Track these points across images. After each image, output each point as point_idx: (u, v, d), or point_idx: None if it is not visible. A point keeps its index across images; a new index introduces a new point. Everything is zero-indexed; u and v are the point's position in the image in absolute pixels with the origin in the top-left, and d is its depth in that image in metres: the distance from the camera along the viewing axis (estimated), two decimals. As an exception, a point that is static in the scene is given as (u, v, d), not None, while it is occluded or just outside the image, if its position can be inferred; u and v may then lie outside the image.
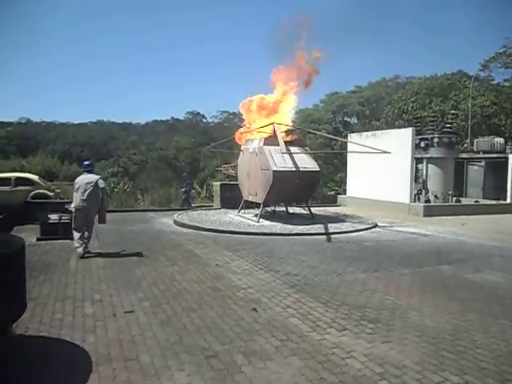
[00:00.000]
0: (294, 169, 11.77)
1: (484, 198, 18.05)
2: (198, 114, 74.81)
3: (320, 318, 4.62)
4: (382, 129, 24.28)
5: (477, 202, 17.53)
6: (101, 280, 6.09)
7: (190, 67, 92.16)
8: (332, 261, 7.41)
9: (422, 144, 16.72)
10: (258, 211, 13.08)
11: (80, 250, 7.52)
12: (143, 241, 9.35)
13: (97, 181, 7.67)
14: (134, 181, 33.59)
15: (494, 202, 17.11)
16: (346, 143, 18.69)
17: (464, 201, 17.68)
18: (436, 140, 16.53)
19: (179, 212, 14.09)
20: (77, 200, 7.59)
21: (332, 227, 11.09)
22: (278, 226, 11.13)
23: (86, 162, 8.11)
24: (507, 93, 27.64)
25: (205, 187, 24.99)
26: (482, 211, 15.41)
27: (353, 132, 24.10)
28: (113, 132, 71.76)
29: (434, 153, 16.60)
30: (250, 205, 13.39)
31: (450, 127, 17.64)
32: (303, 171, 11.84)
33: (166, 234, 10.33)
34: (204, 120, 75.54)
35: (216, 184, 16.76)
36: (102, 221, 7.96)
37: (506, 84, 29.64)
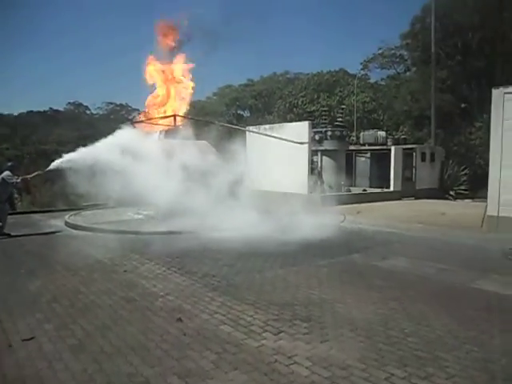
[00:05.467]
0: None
1: (371, 186, 19.53)
2: (81, 104, 69.38)
3: (251, 321, 4.35)
4: (274, 122, 24.94)
5: (364, 190, 18.90)
6: (-16, 301, 5.08)
7: (72, 53, 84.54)
8: (248, 257, 7.20)
9: (317, 137, 17.46)
10: (156, 209, 12.52)
11: None
12: (32, 249, 8.17)
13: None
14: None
15: (379, 190, 18.60)
16: (243, 136, 18.69)
17: (353, 190, 18.93)
18: (329, 133, 17.39)
19: (71, 213, 12.73)
20: None
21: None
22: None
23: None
24: (384, 90, 30.41)
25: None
26: (370, 199, 16.60)
27: (247, 125, 24.29)
28: (-23, 124, 62.97)
29: (327, 145, 17.45)
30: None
31: (340, 121, 18.71)
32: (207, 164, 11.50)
33: (60, 239, 9.19)
34: (88, 112, 70.39)
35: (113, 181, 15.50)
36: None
37: (383, 83, 32.62)
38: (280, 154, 16.14)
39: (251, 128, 17.96)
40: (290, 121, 26.53)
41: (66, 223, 11.02)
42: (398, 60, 30.67)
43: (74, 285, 5.71)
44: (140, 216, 12.06)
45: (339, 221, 11.59)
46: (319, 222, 11.49)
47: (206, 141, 13.38)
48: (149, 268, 6.56)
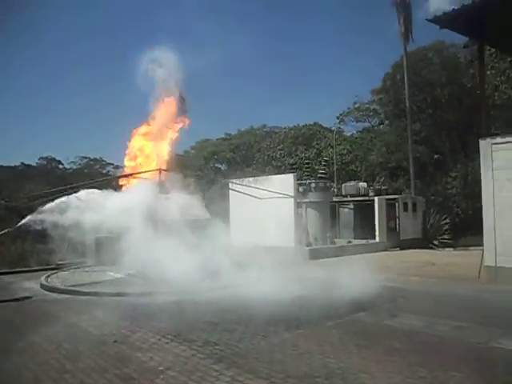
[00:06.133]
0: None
1: (355, 238, 19.35)
2: (54, 159, 68.40)
3: (272, 401, 3.82)
4: (253, 175, 24.95)
5: (349, 242, 18.70)
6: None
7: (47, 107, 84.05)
8: (247, 320, 6.67)
9: (301, 189, 17.37)
10: (139, 267, 11.88)
11: None
12: (4, 318, 7.36)
13: None
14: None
15: (364, 241, 18.43)
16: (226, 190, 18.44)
17: (338, 241, 18.69)
18: (313, 185, 17.35)
19: (46, 273, 11.87)
20: None
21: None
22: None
23: None
24: (359, 143, 31.25)
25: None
26: (357, 251, 16.34)
27: (226, 178, 24.18)
28: None
29: (312, 197, 17.35)
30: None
31: (323, 173, 18.80)
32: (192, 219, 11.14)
33: (37, 305, 8.38)
34: (61, 166, 69.34)
35: (90, 238, 14.77)
36: None
37: (358, 135, 33.61)
38: (265, 207, 15.94)
39: (235, 181, 17.78)
40: (269, 173, 26.64)
41: (42, 285, 10.19)
42: (371, 114, 31.82)
43: (58, 360, 5.02)
44: (122, 275, 11.33)
45: (335, 275, 11.18)
46: (313, 276, 11.08)
47: (190, 195, 13.05)
48: (141, 337, 5.91)
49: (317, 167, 22.21)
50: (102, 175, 58.86)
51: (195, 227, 11.26)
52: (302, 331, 6.04)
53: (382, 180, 30.10)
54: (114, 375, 4.53)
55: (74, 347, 5.53)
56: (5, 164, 62.43)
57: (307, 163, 22.11)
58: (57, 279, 10.91)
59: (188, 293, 8.69)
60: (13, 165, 63.79)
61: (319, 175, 18.56)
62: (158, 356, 5.09)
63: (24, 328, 6.55)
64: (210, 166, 37.93)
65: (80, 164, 67.31)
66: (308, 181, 17.65)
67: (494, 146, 9.44)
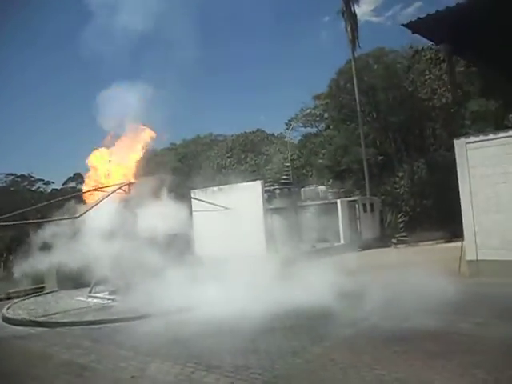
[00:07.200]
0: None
1: (319, 241, 19.47)
2: (-25, 177, 62.64)
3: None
4: (203, 185, 24.39)
5: (313, 246, 18.77)
6: None
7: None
8: (265, 337, 6.22)
9: (266, 196, 17.18)
10: (111, 289, 11.07)
11: None
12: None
13: None
14: None
15: (328, 244, 18.59)
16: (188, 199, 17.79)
17: (302, 246, 18.69)
18: (278, 191, 17.24)
19: (3, 303, 10.60)
20: None
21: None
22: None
23: None
24: (309, 147, 31.73)
25: (1, 264, 20.03)
26: (327, 254, 16.38)
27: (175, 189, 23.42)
28: None
29: (277, 204, 17.23)
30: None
31: (286, 179, 18.78)
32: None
33: (10, 342, 7.36)
34: (-18, 184, 63.66)
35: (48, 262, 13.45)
36: None
37: (306, 140, 34.07)
38: (232, 217, 15.51)
39: (197, 191, 17.17)
40: (220, 182, 26.15)
41: (6, 319, 9.03)
42: (318, 119, 32.50)
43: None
44: (95, 300, 10.39)
45: (316, 281, 11.02)
46: (299, 284, 10.81)
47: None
48: (159, 367, 5.32)
49: (267, 175, 22.15)
50: (31, 192, 54.89)
51: (161, 242, 10.65)
52: (328, 343, 5.77)
53: (329, 183, 30.84)
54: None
55: (88, 389, 4.84)
56: None
57: (269, 169, 21.96)
58: (20, 310, 9.73)
59: (172, 313, 8.02)
60: None
61: (282, 181, 18.51)
62: (191, 389, 4.58)
63: (18, 373, 5.67)
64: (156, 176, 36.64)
65: (6, 182, 62.16)
66: (272, 187, 17.51)
67: (468, 145, 9.84)
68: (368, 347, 5.45)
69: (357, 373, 4.65)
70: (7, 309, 9.76)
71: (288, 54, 61.83)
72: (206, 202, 15.23)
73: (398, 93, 27.38)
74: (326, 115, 31.95)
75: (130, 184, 11.22)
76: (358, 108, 22.17)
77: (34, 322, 8.44)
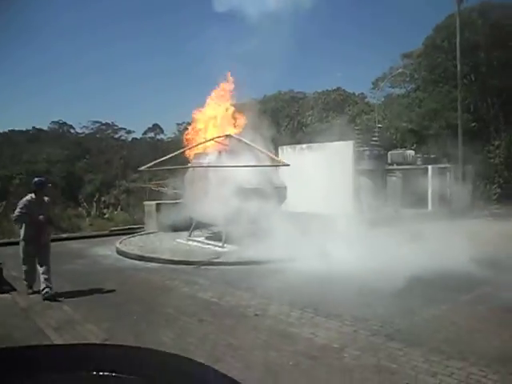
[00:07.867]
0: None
1: (403, 206, 18.97)
2: (65, 123, 67.39)
3: (496, 386, 3.55)
4: (283, 141, 24.31)
5: (396, 211, 18.34)
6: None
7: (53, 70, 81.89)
8: (376, 293, 6.27)
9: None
10: (206, 233, 11.68)
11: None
12: (113, 288, 7.10)
13: None
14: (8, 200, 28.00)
15: (413, 210, 18.04)
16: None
17: (386, 211, 18.34)
18: (367, 153, 16.84)
19: (112, 239, 11.71)
20: None
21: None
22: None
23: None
24: (395, 110, 30.27)
25: (94, 204, 21.42)
26: (416, 220, 15.96)
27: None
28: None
29: (365, 165, 16.88)
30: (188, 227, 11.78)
31: (376, 141, 18.23)
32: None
33: (130, 273, 8.17)
34: (72, 131, 68.49)
35: (150, 204, 14.46)
36: None
37: (395, 101, 32.44)
38: (320, 174, 15.46)
39: (286, 148, 17.26)
40: (300, 140, 25.88)
41: (121, 252, 9.97)
42: (408, 79, 30.70)
43: (222, 337, 4.77)
44: (195, 243, 11.09)
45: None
46: (398, 246, 10.60)
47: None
48: (279, 310, 5.66)
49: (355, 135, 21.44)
50: (113, 140, 58.16)
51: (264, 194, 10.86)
52: (444, 307, 5.75)
53: (413, 147, 29.41)
54: (291, 352, 4.28)
55: (217, 321, 5.30)
56: (17, 128, 61.90)
57: (359, 129, 21.32)
58: (131, 246, 10.67)
59: (281, 261, 8.33)
60: (24, 129, 63.11)
61: (372, 143, 18.00)
62: (319, 332, 4.84)
63: (145, 301, 6.33)
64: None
65: (92, 129, 66.43)
66: (362, 148, 17.12)
67: None
68: (493, 317, 5.28)
69: (484, 338, 4.63)
70: (119, 244, 10.75)
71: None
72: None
73: (502, 53, 24.96)
74: (415, 75, 30.07)
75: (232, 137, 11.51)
76: (459, 68, 20.51)
77: (145, 257, 9.24)
